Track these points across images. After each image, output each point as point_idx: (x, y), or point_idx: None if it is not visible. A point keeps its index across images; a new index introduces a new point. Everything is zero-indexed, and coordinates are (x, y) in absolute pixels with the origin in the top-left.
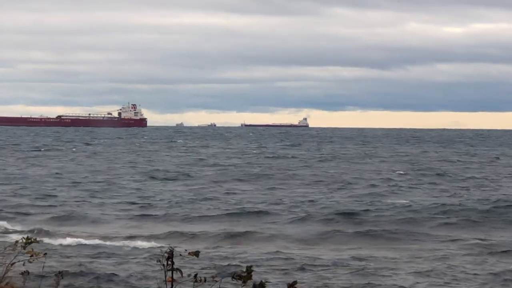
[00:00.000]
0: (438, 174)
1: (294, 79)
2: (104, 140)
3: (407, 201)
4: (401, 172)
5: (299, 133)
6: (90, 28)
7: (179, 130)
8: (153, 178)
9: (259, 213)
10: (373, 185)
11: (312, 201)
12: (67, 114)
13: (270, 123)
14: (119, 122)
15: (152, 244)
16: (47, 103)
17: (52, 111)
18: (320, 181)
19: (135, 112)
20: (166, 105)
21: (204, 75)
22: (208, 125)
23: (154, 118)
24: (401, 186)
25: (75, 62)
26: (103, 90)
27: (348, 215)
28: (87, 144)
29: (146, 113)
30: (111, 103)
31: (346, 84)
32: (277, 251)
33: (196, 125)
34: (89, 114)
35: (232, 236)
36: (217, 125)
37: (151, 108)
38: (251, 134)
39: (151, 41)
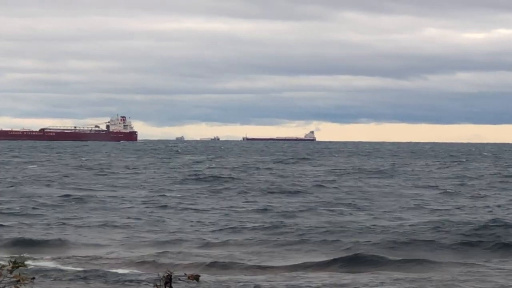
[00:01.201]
0: (473, 196)
1: (302, 89)
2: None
3: (440, 220)
4: (434, 191)
5: (307, 146)
6: (82, 35)
7: (177, 144)
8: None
9: (272, 234)
10: (397, 203)
11: (329, 222)
12: (51, 127)
13: (275, 136)
14: (107, 136)
15: (149, 267)
16: (36, 115)
17: (41, 124)
18: (336, 198)
19: (124, 125)
20: (164, 117)
21: (204, 84)
22: (211, 139)
23: (151, 131)
24: (430, 204)
25: (67, 71)
26: (96, 101)
27: (373, 239)
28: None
29: (141, 126)
30: (105, 115)
31: (359, 95)
32: (291, 277)
33: (198, 138)
34: (75, 127)
35: (235, 262)
36: (220, 139)
37: (148, 120)
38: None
39: (148, 48)
